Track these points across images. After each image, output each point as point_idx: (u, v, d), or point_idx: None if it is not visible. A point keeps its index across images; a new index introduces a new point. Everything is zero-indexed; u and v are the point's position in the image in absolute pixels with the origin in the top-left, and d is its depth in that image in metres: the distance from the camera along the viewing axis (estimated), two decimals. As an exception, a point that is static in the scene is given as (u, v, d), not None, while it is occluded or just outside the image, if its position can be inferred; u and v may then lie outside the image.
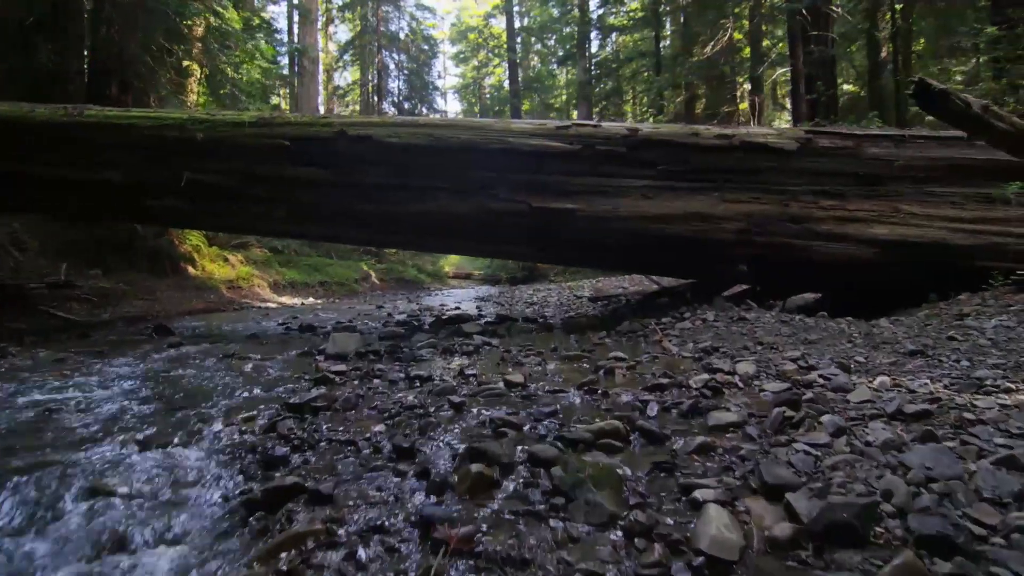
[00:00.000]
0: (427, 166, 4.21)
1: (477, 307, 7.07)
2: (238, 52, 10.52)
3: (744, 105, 13.64)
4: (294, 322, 5.46)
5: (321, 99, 28.24)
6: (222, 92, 11.93)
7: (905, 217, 3.97)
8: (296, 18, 22.08)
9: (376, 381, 2.43)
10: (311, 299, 10.32)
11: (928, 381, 1.92)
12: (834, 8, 10.68)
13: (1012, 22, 9.43)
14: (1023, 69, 9.52)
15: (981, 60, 11.13)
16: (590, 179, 4.16)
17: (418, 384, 2.30)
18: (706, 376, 2.08)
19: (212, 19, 10.32)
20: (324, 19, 27.64)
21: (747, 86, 14.48)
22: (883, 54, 13.86)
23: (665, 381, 2.08)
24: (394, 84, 27.46)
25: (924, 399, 1.69)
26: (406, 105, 26.86)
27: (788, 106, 18.50)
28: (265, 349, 3.71)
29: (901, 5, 12.05)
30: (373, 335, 4.17)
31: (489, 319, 5.16)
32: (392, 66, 26.89)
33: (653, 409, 1.76)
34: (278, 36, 21.03)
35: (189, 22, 9.33)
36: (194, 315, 6.91)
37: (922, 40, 13.43)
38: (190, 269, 9.10)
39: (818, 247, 4.01)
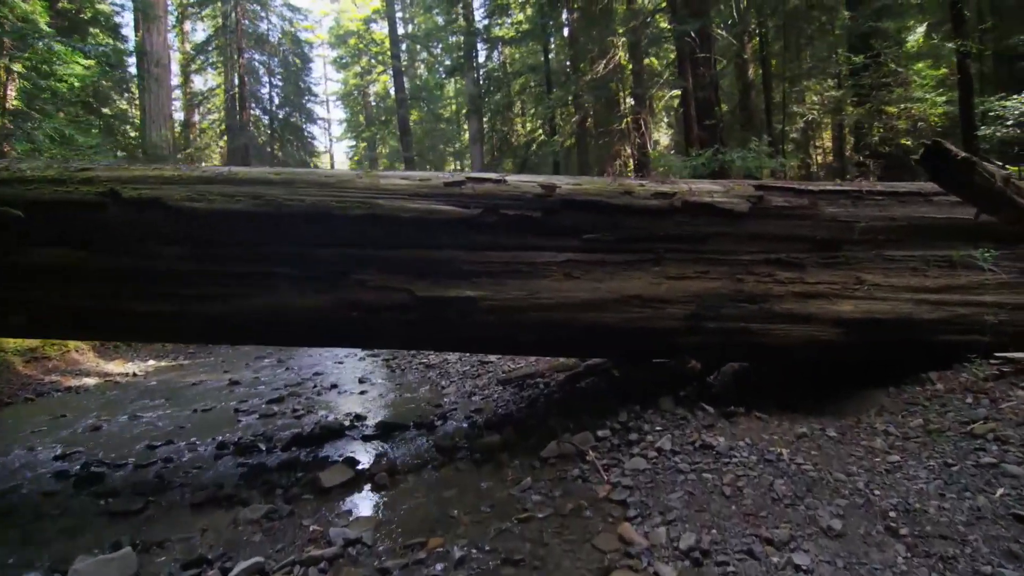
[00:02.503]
0: (255, 242, 2.78)
1: (360, 384, 5.61)
2: (28, 53, 8.03)
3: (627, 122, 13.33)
4: (78, 457, 3.66)
5: (179, 105, 24.58)
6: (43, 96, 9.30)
7: (869, 290, 3.24)
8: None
9: None
10: (152, 361, 8.14)
11: None
12: (719, 32, 10.55)
13: (876, 52, 9.75)
14: (885, 96, 9.92)
15: (844, 86, 11.59)
16: (495, 254, 2.98)
17: None
18: None
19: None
20: (179, 16, 24.03)
21: (630, 100, 14.25)
22: (751, 75, 14.27)
23: None
24: (265, 90, 24.54)
25: None
26: (280, 114, 24.09)
27: (667, 125, 18.82)
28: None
29: (764, 30, 12.34)
30: (176, 507, 2.66)
31: (369, 430, 3.79)
32: (262, 70, 23.97)
33: None
34: (121, 33, 17.74)
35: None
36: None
37: (774, 62, 14.00)
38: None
39: (777, 331, 3.16)
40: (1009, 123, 6.00)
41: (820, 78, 13.04)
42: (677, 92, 10.73)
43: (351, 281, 2.86)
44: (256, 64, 23.55)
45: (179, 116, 24.23)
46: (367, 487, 2.80)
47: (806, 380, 3.65)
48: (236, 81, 21.61)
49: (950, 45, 7.21)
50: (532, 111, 19.50)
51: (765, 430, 2.84)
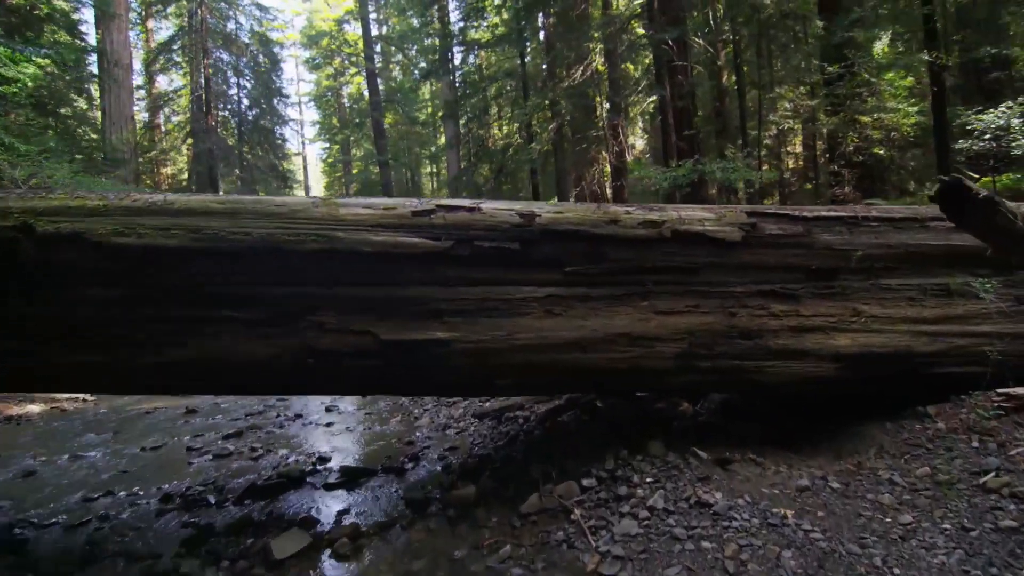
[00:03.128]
0: (195, 283, 2.43)
1: (327, 413, 5.23)
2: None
3: (604, 128, 13.17)
4: (2, 514, 3.24)
5: (144, 106, 23.58)
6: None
7: (866, 322, 3.05)
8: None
9: None
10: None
11: None
12: (695, 39, 10.44)
13: (850, 63, 9.74)
14: (859, 105, 9.93)
15: (818, 95, 11.59)
16: (469, 290, 2.68)
17: None
18: None
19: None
20: (142, 14, 23.04)
21: (607, 106, 14.09)
22: (724, 82, 14.26)
23: None
24: (233, 91, 23.70)
25: None
26: (249, 115, 23.32)
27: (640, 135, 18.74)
28: None
29: (738, 37, 12.31)
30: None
31: (332, 476, 3.44)
32: (230, 71, 23.12)
33: None
34: (80, 31, 16.85)
35: None
36: None
37: (746, 69, 14.00)
38: None
39: (773, 368, 2.94)
40: (987, 137, 5.95)
41: (792, 86, 13.10)
42: (654, 98, 10.59)
43: (307, 324, 2.53)
44: (224, 64, 22.74)
45: (145, 116, 23.27)
46: (326, 556, 2.47)
47: (797, 409, 3.45)
48: (202, 82, 20.79)
49: (925, 58, 7.17)
50: (509, 115, 19.23)
51: (764, 480, 2.61)
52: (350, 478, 3.35)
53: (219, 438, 4.46)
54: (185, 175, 22.69)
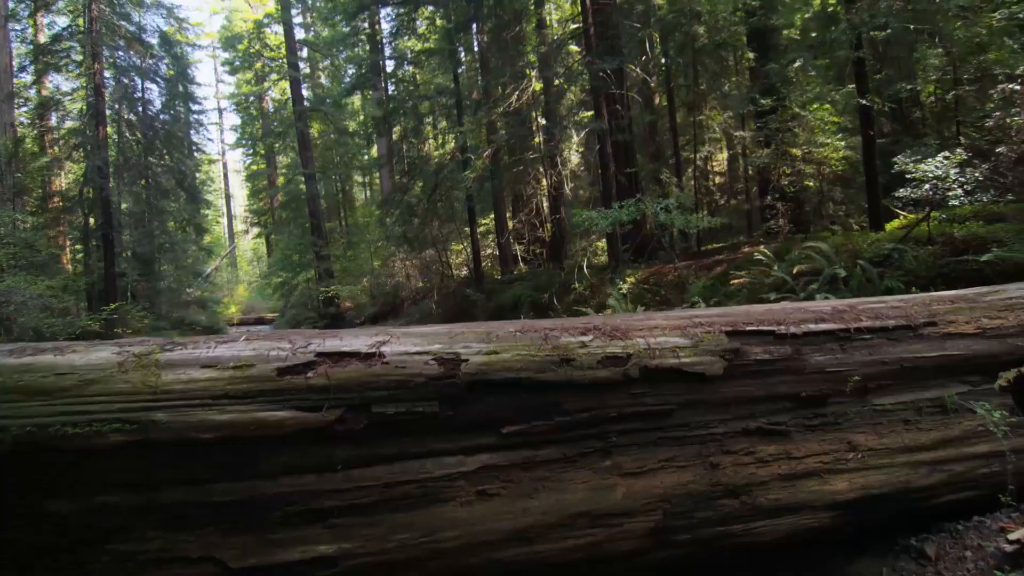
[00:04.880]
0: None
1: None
2: None
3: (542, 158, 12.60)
4: None
5: (26, 110, 20.61)
6: None
7: (863, 458, 2.50)
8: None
9: None
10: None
11: None
12: (632, 67, 10.06)
13: (781, 96, 9.67)
14: (790, 138, 9.90)
15: (749, 127, 11.57)
16: (367, 473, 1.86)
17: None
18: None
19: None
20: (32, 7, 20.13)
21: (542, 121, 13.55)
22: (656, 102, 14.12)
23: None
24: (138, 94, 21.20)
25: None
26: (158, 123, 20.93)
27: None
28: None
29: (671, 62, 12.15)
30: None
31: None
32: (134, 72, 20.65)
33: None
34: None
35: None
36: None
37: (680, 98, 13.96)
38: None
39: (762, 528, 2.32)
40: (925, 187, 5.80)
41: (720, 110, 13.12)
42: (592, 126, 10.10)
43: (110, 556, 1.61)
44: (127, 64, 20.26)
45: (24, 121, 20.30)
46: None
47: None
48: (100, 82, 18.36)
49: (864, 102, 7.04)
50: (445, 128, 18.31)
51: None
52: None
53: None
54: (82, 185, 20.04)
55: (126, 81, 20.26)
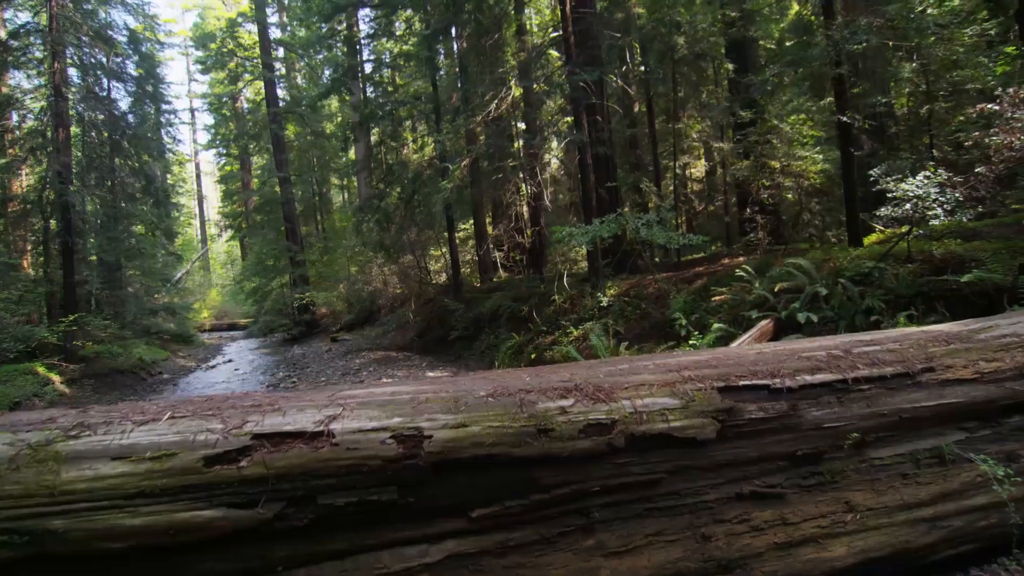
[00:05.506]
0: None
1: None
2: None
3: (521, 168, 12.36)
4: None
5: (-15, 107, 19.59)
6: None
7: (862, 519, 2.33)
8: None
9: None
10: None
11: None
12: (612, 78, 9.90)
13: (760, 108, 9.61)
14: (768, 151, 9.85)
15: (728, 138, 11.53)
16: (313, 572, 1.60)
17: None
18: None
19: None
20: (-11, -3, 19.13)
21: (522, 125, 13.34)
22: (636, 109, 14.03)
23: None
24: (105, 93, 20.34)
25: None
26: (125, 124, 20.11)
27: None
28: None
29: (650, 71, 12.05)
30: None
31: None
32: (100, 71, 19.81)
33: None
34: None
35: None
36: None
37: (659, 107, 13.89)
38: None
39: (758, 603, 2.12)
40: (907, 206, 5.73)
41: (699, 119, 13.08)
42: (572, 136, 9.91)
43: None
44: (93, 63, 19.42)
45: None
46: None
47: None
48: (75, 81, 17.54)
49: (844, 119, 6.97)
50: (423, 131, 17.94)
51: None
52: None
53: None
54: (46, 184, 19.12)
55: (91, 80, 19.44)
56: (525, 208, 10.90)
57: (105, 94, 19.78)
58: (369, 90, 19.37)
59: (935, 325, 3.44)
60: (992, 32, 8.94)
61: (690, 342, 6.82)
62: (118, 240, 17.59)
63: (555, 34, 10.31)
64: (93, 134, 19.09)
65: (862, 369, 2.49)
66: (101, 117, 19.36)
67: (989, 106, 5.53)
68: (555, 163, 20.79)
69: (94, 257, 16.83)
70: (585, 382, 2.07)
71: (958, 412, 2.64)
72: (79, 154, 17.79)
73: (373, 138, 18.44)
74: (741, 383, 2.24)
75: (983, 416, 2.74)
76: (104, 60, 18.82)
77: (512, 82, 9.07)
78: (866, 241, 8.11)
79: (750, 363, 2.43)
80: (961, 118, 9.03)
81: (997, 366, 2.75)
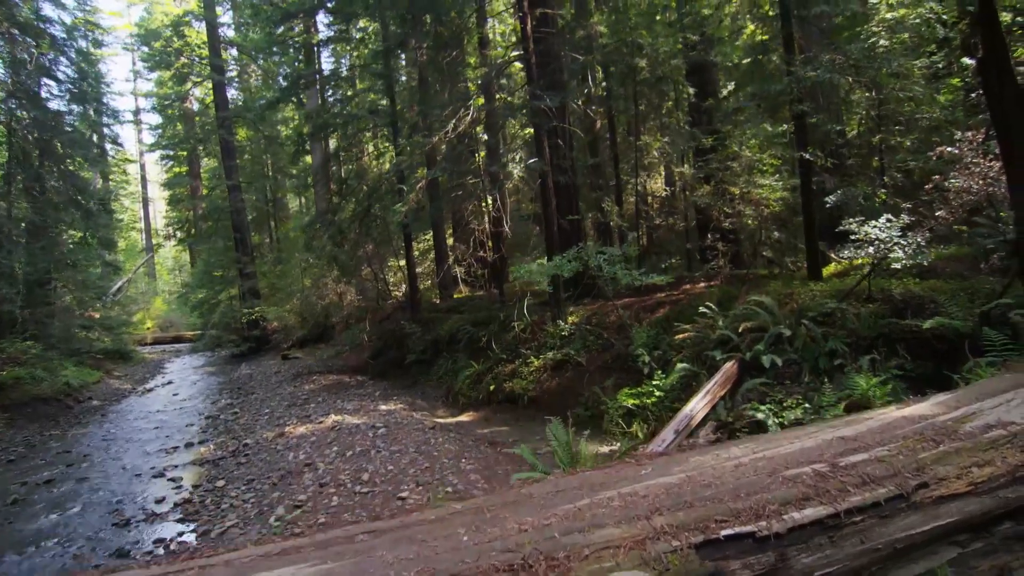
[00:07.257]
0: None
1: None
2: None
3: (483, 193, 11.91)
4: None
5: None
6: None
7: None
8: None
9: None
10: None
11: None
12: (575, 103, 9.58)
13: (720, 135, 9.48)
14: (730, 177, 9.74)
15: (689, 163, 11.41)
16: None
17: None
18: None
19: None
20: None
21: (484, 137, 12.90)
22: (598, 126, 13.82)
23: None
24: (42, 89, 18.67)
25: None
26: (56, 125, 18.49)
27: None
28: None
29: (612, 89, 11.85)
30: None
31: None
32: (31, 67, 18.14)
33: None
34: None
35: None
36: None
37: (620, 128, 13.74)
38: None
39: None
40: (870, 249, 5.59)
41: (659, 136, 12.96)
42: (534, 159, 9.53)
43: None
44: (21, 59, 17.77)
45: None
46: None
47: None
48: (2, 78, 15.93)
49: (805, 155, 6.83)
50: (383, 138, 17.21)
51: None
52: None
53: None
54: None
55: (23, 77, 17.80)
56: (487, 223, 10.44)
57: (35, 92, 18.14)
58: (328, 93, 18.50)
59: (913, 406, 3.19)
60: (940, 65, 9.11)
61: (653, 382, 6.52)
62: (47, 250, 16.11)
63: (515, 53, 9.92)
64: (20, 136, 17.46)
65: (853, 494, 2.15)
66: (28, 117, 17.74)
67: (949, 149, 5.45)
68: (517, 173, 20.44)
69: (19, 270, 15.30)
70: (534, 552, 1.62)
71: (954, 530, 2.35)
72: (2, 158, 16.22)
73: (333, 143, 17.57)
74: (723, 533, 1.84)
75: (976, 528, 2.46)
76: (32, 55, 17.24)
77: (473, 100, 8.61)
78: (825, 272, 8.05)
79: (730, 492, 2.05)
80: (908, 143, 9.17)
81: (990, 472, 2.47)
